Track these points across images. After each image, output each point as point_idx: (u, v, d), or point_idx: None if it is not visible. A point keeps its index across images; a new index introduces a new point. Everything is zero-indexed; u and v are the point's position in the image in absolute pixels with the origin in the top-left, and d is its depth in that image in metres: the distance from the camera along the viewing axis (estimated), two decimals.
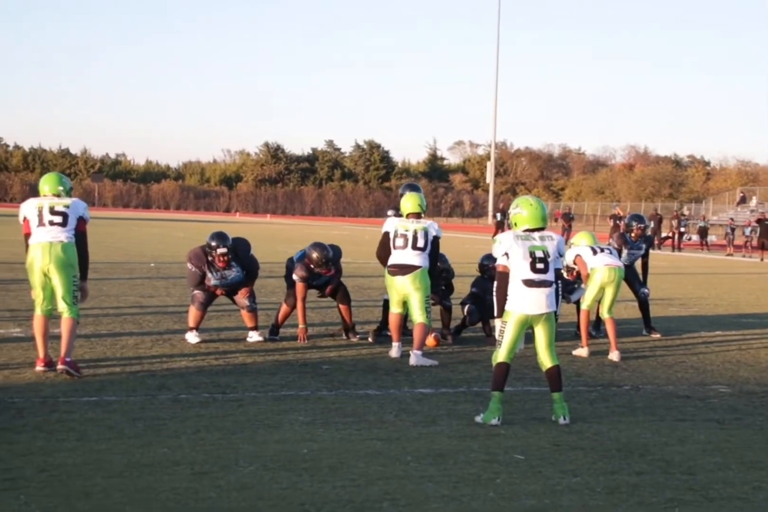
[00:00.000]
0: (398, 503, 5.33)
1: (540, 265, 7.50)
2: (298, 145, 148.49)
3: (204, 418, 7.13)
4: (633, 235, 12.86)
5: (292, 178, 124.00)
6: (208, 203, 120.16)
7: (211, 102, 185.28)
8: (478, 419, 7.38)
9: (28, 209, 8.95)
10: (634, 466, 6.29)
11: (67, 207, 8.90)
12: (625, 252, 12.70)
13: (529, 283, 7.48)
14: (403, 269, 10.24)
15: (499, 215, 53.39)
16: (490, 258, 11.08)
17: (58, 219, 8.80)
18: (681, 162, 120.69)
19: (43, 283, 8.75)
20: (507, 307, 7.56)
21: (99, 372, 8.77)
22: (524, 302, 7.50)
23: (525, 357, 10.18)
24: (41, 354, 8.80)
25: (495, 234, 53.80)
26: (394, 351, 10.40)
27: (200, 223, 61.40)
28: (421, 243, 10.32)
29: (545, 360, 7.69)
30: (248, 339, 10.95)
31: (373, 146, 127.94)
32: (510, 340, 7.54)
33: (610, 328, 11.10)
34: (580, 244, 11.83)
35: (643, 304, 12.95)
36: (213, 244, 10.73)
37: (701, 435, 7.25)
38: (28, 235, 8.89)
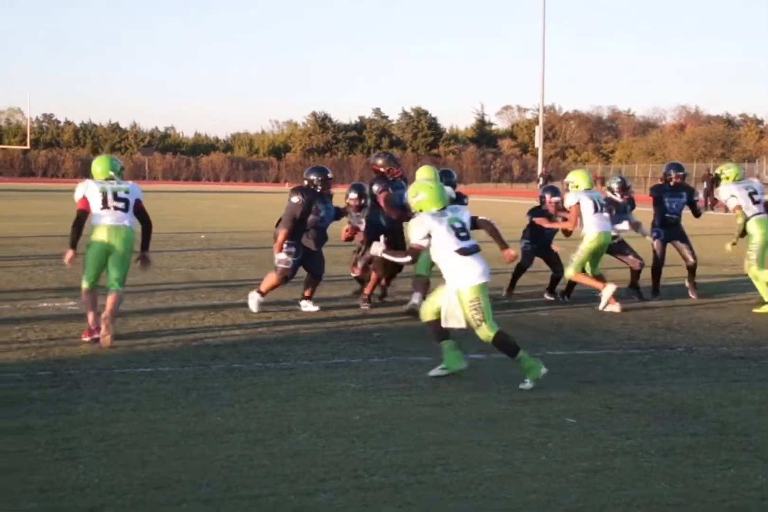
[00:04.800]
0: (451, 467, 5.36)
1: (463, 234, 7.51)
2: (345, 114, 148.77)
3: (257, 387, 7.20)
4: (672, 183, 12.77)
5: (340, 147, 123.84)
6: (257, 174, 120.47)
7: (257, 73, 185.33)
8: (527, 386, 7.36)
9: (89, 190, 9.24)
10: (688, 428, 6.27)
11: (128, 192, 9.30)
12: (666, 200, 12.63)
13: (463, 252, 7.43)
14: None
15: (542, 180, 53.30)
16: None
17: (121, 205, 9.21)
18: (733, 121, 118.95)
19: (99, 262, 9.10)
20: (464, 285, 7.43)
21: (153, 344, 8.87)
22: (474, 272, 7.42)
23: (578, 320, 10.19)
24: (92, 326, 8.97)
25: None
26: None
27: (250, 194, 61.65)
28: None
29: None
30: (303, 309, 10.99)
31: (421, 113, 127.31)
32: (488, 310, 7.47)
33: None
34: (579, 186, 11.74)
35: (692, 270, 12.82)
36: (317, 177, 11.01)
37: (756, 396, 7.20)
38: (82, 212, 9.19)
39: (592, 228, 11.42)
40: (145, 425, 6.12)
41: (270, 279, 10.91)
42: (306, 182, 11.04)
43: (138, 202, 9.32)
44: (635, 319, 10.77)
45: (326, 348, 8.80)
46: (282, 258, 10.77)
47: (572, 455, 5.60)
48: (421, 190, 7.69)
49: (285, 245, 10.68)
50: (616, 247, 12.18)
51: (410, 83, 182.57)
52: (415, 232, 7.56)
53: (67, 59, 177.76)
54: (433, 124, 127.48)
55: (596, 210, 11.44)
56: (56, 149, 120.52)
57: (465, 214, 7.71)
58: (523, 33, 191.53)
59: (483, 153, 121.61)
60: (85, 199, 9.18)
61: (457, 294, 7.43)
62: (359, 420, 6.33)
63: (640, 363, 8.39)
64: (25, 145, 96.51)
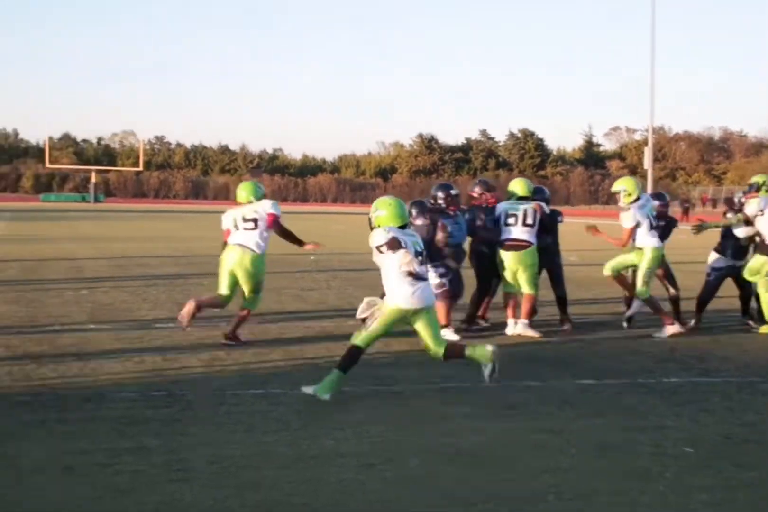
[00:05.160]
0: (564, 496, 5.27)
1: (420, 258, 7.72)
2: (451, 136, 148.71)
3: (368, 410, 7.18)
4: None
5: (446, 169, 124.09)
6: (363, 195, 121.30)
7: (364, 95, 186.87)
8: (309, 390, 7.54)
9: (228, 221, 10.04)
10: None
11: (256, 212, 9.93)
12: None
13: (414, 276, 7.58)
14: (515, 244, 11.02)
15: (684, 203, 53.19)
16: None
17: (249, 225, 9.89)
18: None
19: (229, 279, 9.90)
20: (391, 302, 7.62)
21: (264, 365, 8.93)
22: (406, 296, 7.57)
23: (693, 346, 9.99)
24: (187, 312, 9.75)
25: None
26: (510, 328, 11.03)
27: (356, 216, 61.99)
28: (530, 220, 11.03)
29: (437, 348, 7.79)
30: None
31: (527, 134, 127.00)
32: (378, 331, 7.68)
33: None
34: (632, 195, 11.20)
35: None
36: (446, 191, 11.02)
37: None
38: (225, 243, 10.04)
39: (648, 244, 11.08)
40: (258, 447, 6.15)
41: (439, 308, 10.61)
42: (432, 200, 11.00)
43: (270, 215, 9.92)
44: (753, 345, 10.50)
45: (436, 371, 8.74)
46: (434, 283, 10.55)
47: (691, 486, 5.46)
48: (381, 206, 7.89)
49: (431, 269, 10.52)
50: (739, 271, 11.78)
51: (517, 104, 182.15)
52: (380, 238, 7.65)
53: (178, 82, 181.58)
54: (540, 145, 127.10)
55: (651, 226, 11.12)
56: (168, 171, 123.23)
57: (420, 241, 7.97)
58: (632, 53, 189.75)
59: (591, 174, 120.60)
60: (228, 230, 10.00)
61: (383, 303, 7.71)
62: (471, 446, 6.27)
63: (760, 391, 8.16)
64: (138, 166, 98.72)
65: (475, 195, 11.50)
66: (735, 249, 11.74)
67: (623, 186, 11.31)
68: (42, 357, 9.09)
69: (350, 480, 5.49)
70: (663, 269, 11.81)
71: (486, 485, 5.43)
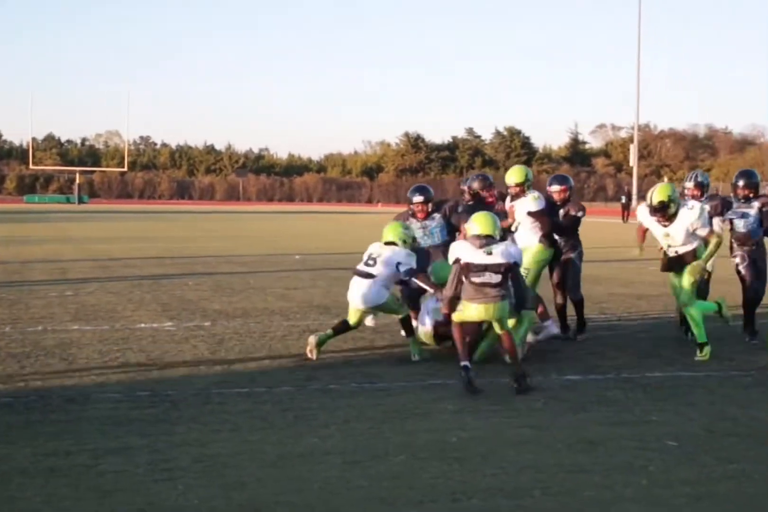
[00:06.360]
0: (550, 491, 5.28)
1: (371, 262, 9.26)
2: (438, 134, 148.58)
3: (353, 408, 7.19)
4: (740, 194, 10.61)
5: (432, 167, 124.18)
6: (350, 194, 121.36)
7: (350, 93, 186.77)
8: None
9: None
10: None
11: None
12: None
13: (354, 271, 9.38)
14: None
15: (624, 198, 53.83)
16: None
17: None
18: None
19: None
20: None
21: (249, 364, 8.92)
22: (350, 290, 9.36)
23: (677, 341, 10.02)
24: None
25: (622, 216, 53.29)
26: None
27: (343, 215, 62.03)
28: None
29: None
30: None
31: (514, 132, 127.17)
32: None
33: None
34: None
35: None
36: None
37: None
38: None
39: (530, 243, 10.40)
40: (243, 446, 6.15)
41: None
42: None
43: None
44: (735, 340, 10.51)
45: (422, 369, 8.77)
46: None
47: (674, 479, 5.49)
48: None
49: None
50: None
51: (504, 102, 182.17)
52: None
53: (163, 82, 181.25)
54: (526, 143, 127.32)
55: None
56: (153, 171, 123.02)
57: (390, 257, 9.18)
58: (618, 51, 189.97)
59: (577, 172, 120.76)
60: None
61: None
62: (456, 442, 6.28)
63: (741, 385, 8.20)
64: (123, 167, 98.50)
65: (480, 192, 10.90)
66: None
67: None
68: (25, 359, 9.07)
69: (336, 477, 5.50)
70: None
71: (470, 480, 5.44)
